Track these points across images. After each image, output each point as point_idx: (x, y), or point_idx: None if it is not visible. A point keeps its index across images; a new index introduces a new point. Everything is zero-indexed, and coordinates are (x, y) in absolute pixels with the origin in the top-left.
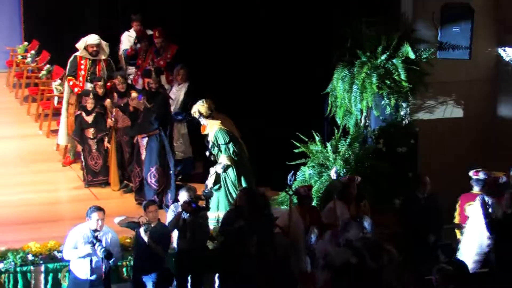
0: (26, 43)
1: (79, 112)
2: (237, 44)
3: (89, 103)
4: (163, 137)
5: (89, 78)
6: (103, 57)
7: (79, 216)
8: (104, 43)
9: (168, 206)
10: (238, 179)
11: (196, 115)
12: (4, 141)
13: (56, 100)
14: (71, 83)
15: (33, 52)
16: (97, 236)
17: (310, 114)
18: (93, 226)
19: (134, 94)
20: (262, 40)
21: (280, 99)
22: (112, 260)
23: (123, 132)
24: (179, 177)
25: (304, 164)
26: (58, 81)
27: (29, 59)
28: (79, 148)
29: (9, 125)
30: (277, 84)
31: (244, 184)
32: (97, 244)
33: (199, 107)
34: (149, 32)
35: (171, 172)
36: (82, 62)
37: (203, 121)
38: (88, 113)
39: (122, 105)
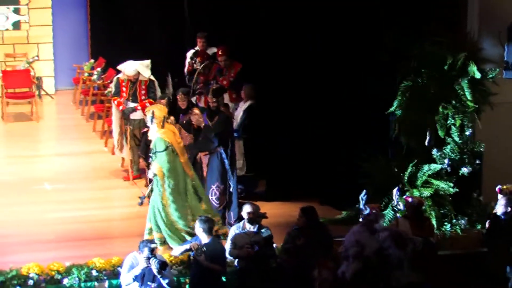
0: (92, 60)
1: (145, 129)
2: (301, 64)
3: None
4: (223, 155)
5: (130, 98)
6: (142, 79)
7: (142, 234)
8: (145, 64)
9: (231, 224)
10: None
11: (149, 114)
12: (70, 158)
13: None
14: (115, 102)
15: (99, 69)
16: (153, 248)
17: (375, 133)
18: (143, 264)
19: (196, 111)
20: (324, 60)
21: (344, 119)
22: (166, 270)
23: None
24: (242, 195)
25: (369, 183)
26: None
27: (95, 77)
28: (143, 164)
29: (75, 141)
30: (340, 103)
31: (170, 200)
32: (152, 258)
33: (156, 108)
34: (213, 50)
35: (231, 190)
36: (124, 84)
37: (150, 123)
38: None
39: (184, 122)
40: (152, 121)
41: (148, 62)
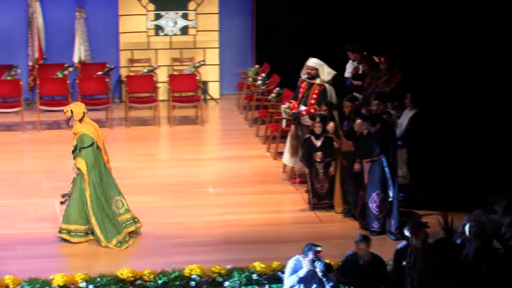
0: (257, 66)
1: (308, 135)
2: (464, 70)
3: (317, 127)
4: (384, 163)
5: (302, 101)
6: (317, 82)
7: (303, 239)
8: (327, 70)
9: (391, 233)
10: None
11: (68, 114)
12: (233, 162)
13: (284, 123)
14: (291, 104)
15: (263, 75)
16: (318, 251)
17: None
18: (308, 267)
19: (358, 119)
20: (489, 65)
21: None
22: (331, 273)
23: (344, 156)
24: (403, 204)
25: None
26: (287, 104)
27: (259, 82)
28: (306, 171)
29: (238, 146)
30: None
31: (94, 195)
32: (316, 260)
33: (73, 107)
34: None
35: (390, 199)
36: (302, 85)
37: (72, 122)
38: (317, 137)
39: (346, 129)
40: (72, 120)
41: (333, 72)
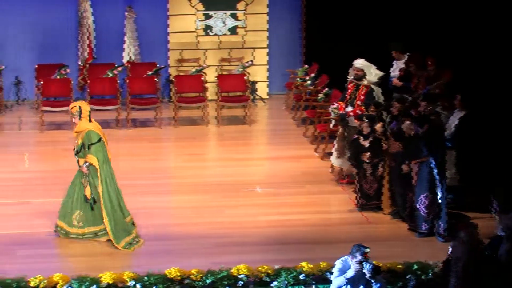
0: (306, 66)
1: (355, 136)
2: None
3: (365, 128)
4: (432, 165)
5: (349, 102)
6: (364, 83)
7: (351, 239)
8: (375, 71)
9: (439, 235)
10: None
11: (76, 109)
12: (281, 162)
13: (332, 123)
14: (339, 105)
15: (312, 75)
16: (366, 252)
17: None
18: (356, 268)
19: (407, 119)
20: None
21: None
22: (379, 275)
23: (392, 157)
24: (452, 205)
25: None
26: (335, 105)
27: (308, 82)
28: (354, 171)
29: (286, 146)
30: None
31: (105, 188)
32: (364, 262)
33: (81, 103)
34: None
35: (438, 200)
36: (350, 86)
37: (76, 120)
38: (365, 137)
39: (394, 129)
40: (80, 116)
41: (380, 73)
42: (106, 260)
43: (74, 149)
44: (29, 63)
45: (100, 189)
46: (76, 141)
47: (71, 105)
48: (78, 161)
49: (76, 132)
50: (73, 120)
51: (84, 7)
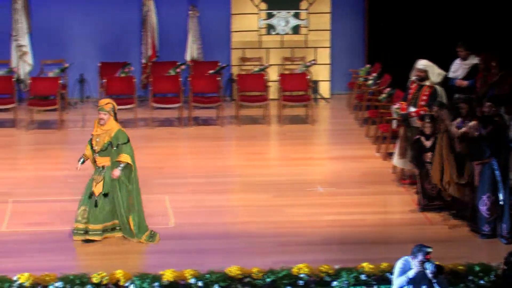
0: (368, 65)
1: (418, 136)
2: None
3: (427, 128)
4: (494, 166)
5: (412, 102)
6: (427, 83)
7: (412, 240)
8: (437, 72)
9: (502, 237)
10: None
11: (110, 106)
12: (342, 162)
13: (395, 123)
14: (401, 106)
15: (375, 75)
16: (428, 252)
17: None
18: (417, 268)
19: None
20: None
21: None
22: (442, 275)
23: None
24: None
25: None
26: (398, 105)
27: (370, 82)
28: (416, 172)
29: (347, 146)
30: None
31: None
32: (426, 262)
33: (112, 101)
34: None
35: (501, 202)
36: (412, 86)
37: (106, 117)
38: (427, 137)
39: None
40: (113, 114)
41: (443, 72)
42: (167, 257)
43: (91, 147)
44: (93, 61)
45: (134, 186)
46: (98, 140)
47: (104, 102)
48: (95, 160)
49: (103, 129)
50: (103, 117)
51: (148, 6)
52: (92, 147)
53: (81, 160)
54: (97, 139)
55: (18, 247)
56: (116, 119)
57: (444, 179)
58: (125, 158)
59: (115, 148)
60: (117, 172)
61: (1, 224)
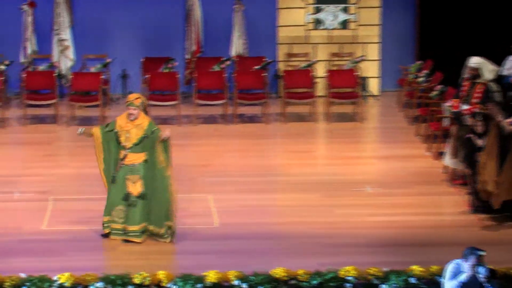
0: (419, 62)
1: (469, 135)
2: None
3: (479, 126)
4: None
5: (465, 100)
6: (480, 81)
7: (463, 242)
8: (490, 68)
9: None
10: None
11: (139, 101)
12: (389, 161)
13: (446, 121)
14: (453, 103)
15: (426, 72)
16: (480, 255)
17: None
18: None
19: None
20: None
21: None
22: (495, 280)
23: None
24: None
25: None
26: (450, 102)
27: (421, 79)
28: (468, 172)
29: (396, 144)
30: None
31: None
32: (479, 265)
33: (144, 99)
34: None
35: None
36: (465, 83)
37: (137, 112)
38: (479, 136)
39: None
40: (143, 109)
41: (496, 68)
42: (210, 258)
43: (123, 143)
44: (136, 56)
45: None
46: (128, 135)
47: (135, 96)
48: (125, 156)
49: (135, 124)
50: (133, 112)
51: (192, 0)
52: (119, 144)
53: (82, 129)
54: (127, 135)
55: (58, 246)
56: (146, 114)
57: (484, 177)
58: (166, 133)
59: (148, 137)
60: (167, 131)
61: (41, 223)
